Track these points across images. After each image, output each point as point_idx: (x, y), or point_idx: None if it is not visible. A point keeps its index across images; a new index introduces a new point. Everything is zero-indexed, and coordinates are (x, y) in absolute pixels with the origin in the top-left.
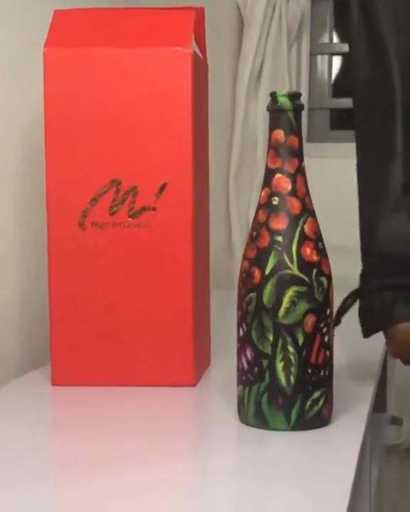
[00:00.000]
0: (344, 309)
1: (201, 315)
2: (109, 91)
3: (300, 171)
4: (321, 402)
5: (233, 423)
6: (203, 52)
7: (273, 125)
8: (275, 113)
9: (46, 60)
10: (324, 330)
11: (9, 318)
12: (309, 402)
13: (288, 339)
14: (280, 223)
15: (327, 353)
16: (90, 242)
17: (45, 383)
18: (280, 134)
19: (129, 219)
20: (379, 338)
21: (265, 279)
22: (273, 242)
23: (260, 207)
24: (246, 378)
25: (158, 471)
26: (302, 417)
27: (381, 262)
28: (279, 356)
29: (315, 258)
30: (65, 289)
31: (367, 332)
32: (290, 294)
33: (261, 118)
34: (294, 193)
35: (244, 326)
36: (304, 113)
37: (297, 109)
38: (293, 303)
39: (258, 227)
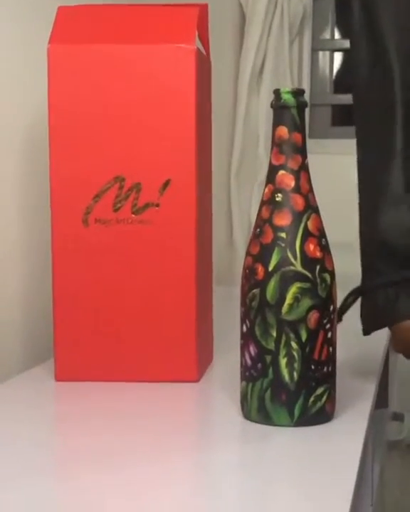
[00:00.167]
0: (345, 307)
1: (203, 311)
2: (113, 87)
3: (304, 167)
4: (324, 398)
5: (236, 419)
6: (207, 48)
7: (277, 122)
8: (279, 110)
9: (50, 57)
10: (328, 326)
11: (13, 315)
12: (312, 398)
13: (292, 335)
14: (283, 220)
15: (330, 349)
16: (93, 239)
17: (49, 379)
18: (283, 130)
19: (133, 215)
20: (380, 335)
21: (268, 275)
22: (277, 238)
23: (263, 203)
24: (249, 374)
25: (161, 467)
26: (305, 413)
27: (382, 256)
28: (282, 352)
29: (319, 254)
30: (69, 285)
31: (368, 330)
32: (293, 290)
33: (263, 114)
34: (297, 189)
35: (247, 322)
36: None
37: (301, 106)
38: (297, 299)
39: (262, 224)
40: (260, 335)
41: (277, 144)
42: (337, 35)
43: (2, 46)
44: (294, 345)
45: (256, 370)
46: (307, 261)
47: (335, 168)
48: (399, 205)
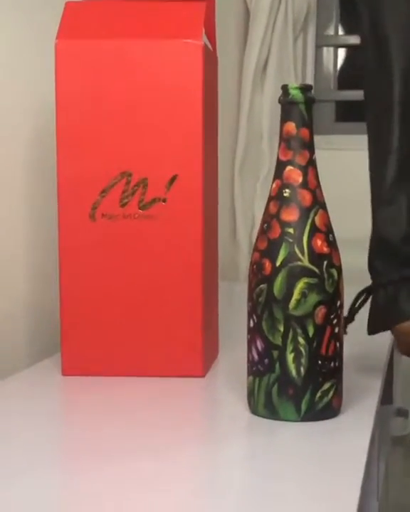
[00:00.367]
0: (357, 308)
1: (209, 306)
2: (120, 83)
3: (311, 163)
4: (331, 393)
5: (243, 414)
6: (213, 44)
7: (285, 118)
8: (287, 105)
9: (57, 52)
10: (335, 321)
11: (20, 310)
12: (319, 393)
13: (299, 330)
14: (290, 215)
15: (337, 344)
16: (100, 234)
17: (56, 373)
18: (291, 126)
19: (140, 210)
20: (385, 332)
21: (275, 270)
22: (284, 233)
23: (271, 199)
24: (256, 369)
25: (167, 461)
26: (312, 408)
27: (381, 254)
28: (289, 347)
29: (326, 250)
30: (76, 280)
31: (372, 330)
32: (300, 285)
33: (267, 110)
34: (305, 185)
35: (254, 317)
36: None
37: (309, 102)
38: (304, 294)
39: (269, 219)
40: (268, 330)
41: (285, 140)
42: (341, 31)
43: (10, 42)
44: (301, 340)
45: (263, 365)
46: (315, 256)
47: (339, 163)
48: (392, 203)
